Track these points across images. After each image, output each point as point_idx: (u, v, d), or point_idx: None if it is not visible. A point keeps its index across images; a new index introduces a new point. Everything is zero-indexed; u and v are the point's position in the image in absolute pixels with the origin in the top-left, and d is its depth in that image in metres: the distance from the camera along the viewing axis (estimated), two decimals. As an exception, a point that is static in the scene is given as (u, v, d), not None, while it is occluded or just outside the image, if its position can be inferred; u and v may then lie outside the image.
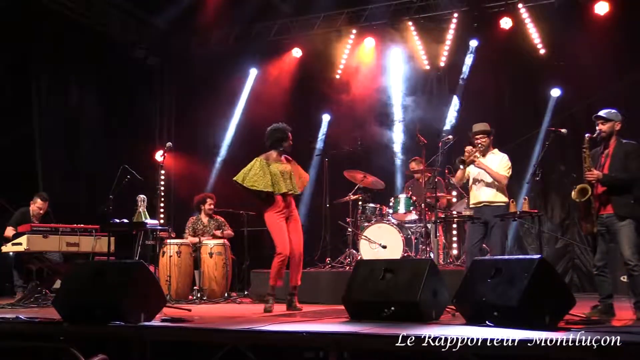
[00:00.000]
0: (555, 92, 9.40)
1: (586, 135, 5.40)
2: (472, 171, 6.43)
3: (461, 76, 10.00)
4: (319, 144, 10.64)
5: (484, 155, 6.33)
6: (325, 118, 10.92)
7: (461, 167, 6.29)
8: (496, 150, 6.47)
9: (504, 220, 6.19)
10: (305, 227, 9.31)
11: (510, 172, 6.32)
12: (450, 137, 6.48)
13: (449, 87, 10.18)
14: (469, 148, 6.37)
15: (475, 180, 6.38)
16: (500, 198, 6.25)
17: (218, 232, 8.39)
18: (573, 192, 5.36)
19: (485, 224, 6.20)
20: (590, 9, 9.02)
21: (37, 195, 8.08)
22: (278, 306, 6.15)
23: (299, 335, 4.05)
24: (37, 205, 7.97)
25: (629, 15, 8.76)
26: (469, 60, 9.92)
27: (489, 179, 6.27)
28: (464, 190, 7.76)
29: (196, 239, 8.16)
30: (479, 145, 6.32)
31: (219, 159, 11.04)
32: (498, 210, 6.16)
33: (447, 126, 9.68)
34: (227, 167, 10.02)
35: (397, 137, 10.23)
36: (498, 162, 6.31)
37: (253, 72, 11.23)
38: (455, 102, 9.94)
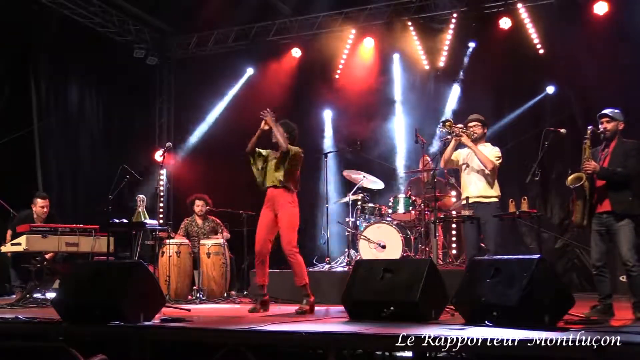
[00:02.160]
0: (550, 90, 9.43)
1: (589, 127, 5.41)
2: (462, 154, 6.39)
3: (460, 76, 10.02)
4: (319, 144, 10.63)
5: (474, 144, 6.26)
6: (325, 118, 10.92)
7: (442, 129, 6.24)
8: (488, 143, 6.43)
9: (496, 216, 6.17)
10: (305, 227, 9.37)
11: (499, 162, 6.23)
12: (449, 137, 6.45)
13: (448, 87, 10.17)
14: (460, 125, 6.36)
15: (465, 167, 6.32)
16: (491, 192, 6.18)
17: (217, 237, 8.35)
18: (568, 178, 5.35)
19: (479, 221, 6.17)
20: (589, 9, 9.03)
21: (35, 196, 8.01)
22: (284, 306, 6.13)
23: (299, 335, 4.05)
24: (39, 205, 7.91)
25: (628, 15, 8.76)
26: (468, 60, 9.93)
27: (477, 167, 6.21)
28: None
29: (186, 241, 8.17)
30: (472, 132, 6.31)
31: (219, 159, 11.04)
32: (489, 208, 6.13)
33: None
34: (227, 167, 10.01)
35: (397, 136, 10.23)
36: (488, 152, 6.25)
37: (251, 72, 11.21)
38: (452, 100, 9.97)
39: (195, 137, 11.38)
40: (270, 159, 6.20)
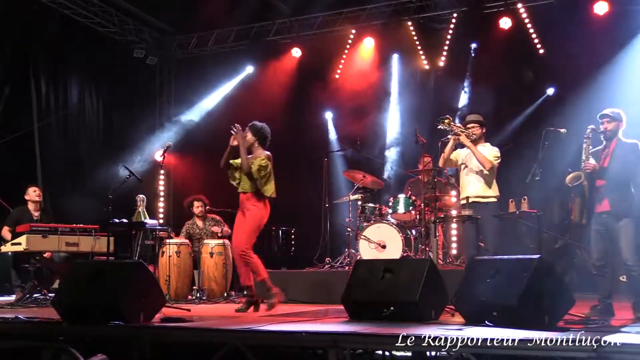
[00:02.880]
0: (550, 90, 9.44)
1: (589, 126, 5.42)
2: (461, 154, 6.39)
3: (460, 76, 10.02)
4: (319, 144, 10.63)
5: (474, 145, 6.26)
6: (324, 118, 10.92)
7: (439, 127, 6.24)
8: (488, 144, 6.43)
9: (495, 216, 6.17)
10: (305, 227, 9.38)
11: (497, 162, 6.22)
12: (449, 136, 6.45)
13: (448, 87, 10.17)
14: (458, 124, 6.36)
15: (464, 167, 6.33)
16: (489, 193, 6.19)
17: (217, 229, 8.37)
18: (567, 177, 5.37)
19: (478, 221, 6.17)
20: (589, 9, 9.03)
21: (27, 187, 8.03)
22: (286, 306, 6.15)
23: (299, 335, 4.04)
24: (31, 192, 7.93)
25: (628, 15, 8.76)
26: (468, 60, 9.93)
27: (476, 167, 6.22)
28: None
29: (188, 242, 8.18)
30: (470, 133, 6.29)
31: (219, 159, 11.01)
32: (487, 208, 6.13)
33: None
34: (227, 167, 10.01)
35: (397, 136, 10.23)
36: (487, 152, 6.26)
37: (250, 71, 11.22)
38: (452, 100, 9.98)
39: (195, 137, 11.37)
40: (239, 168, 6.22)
